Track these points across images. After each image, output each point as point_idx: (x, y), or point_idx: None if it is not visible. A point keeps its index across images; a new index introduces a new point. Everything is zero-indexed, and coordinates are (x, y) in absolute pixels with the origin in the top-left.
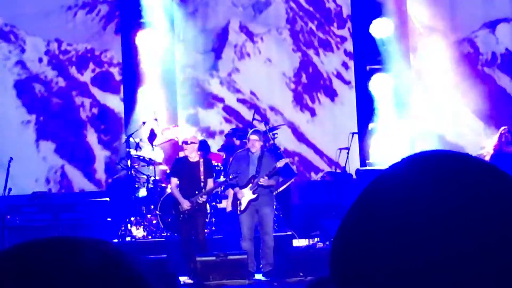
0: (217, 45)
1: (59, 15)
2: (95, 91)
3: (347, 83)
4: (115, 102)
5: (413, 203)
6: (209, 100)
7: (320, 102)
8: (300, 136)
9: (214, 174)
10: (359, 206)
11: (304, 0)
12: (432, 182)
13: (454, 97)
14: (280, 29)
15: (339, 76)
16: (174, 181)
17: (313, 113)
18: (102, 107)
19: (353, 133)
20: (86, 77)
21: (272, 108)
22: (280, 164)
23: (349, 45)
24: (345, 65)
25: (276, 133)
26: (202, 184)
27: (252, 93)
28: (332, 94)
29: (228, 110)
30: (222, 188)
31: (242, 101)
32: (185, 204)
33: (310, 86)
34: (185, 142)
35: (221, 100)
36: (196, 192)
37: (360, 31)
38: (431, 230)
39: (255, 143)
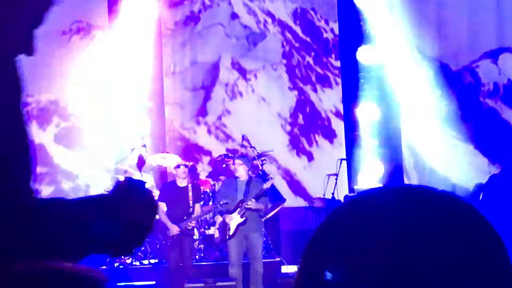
0: (207, 82)
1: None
2: None
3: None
4: None
5: (378, 226)
6: (194, 155)
7: (318, 144)
8: (296, 187)
9: (202, 199)
10: (330, 221)
11: (301, 30)
12: (401, 210)
13: (454, 129)
14: (276, 65)
15: (338, 114)
16: (162, 206)
17: (310, 157)
18: None
19: (342, 159)
20: None
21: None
22: (267, 185)
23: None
24: (344, 101)
25: (265, 159)
26: (190, 209)
27: (243, 138)
28: (330, 135)
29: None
30: (211, 215)
31: (232, 151)
32: (174, 229)
33: (307, 127)
34: (177, 166)
35: (208, 153)
36: (185, 217)
37: (348, 58)
38: (390, 252)
39: (239, 168)
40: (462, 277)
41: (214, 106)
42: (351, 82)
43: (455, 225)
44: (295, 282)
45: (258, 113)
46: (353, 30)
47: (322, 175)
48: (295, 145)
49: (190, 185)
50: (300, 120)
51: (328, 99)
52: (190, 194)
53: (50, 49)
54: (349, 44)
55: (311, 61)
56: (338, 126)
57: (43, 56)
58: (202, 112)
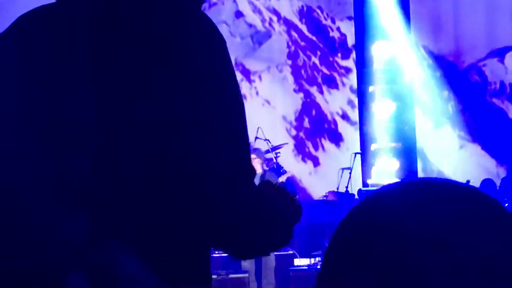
0: None
1: None
2: None
3: (354, 123)
4: None
5: (400, 224)
6: None
7: (324, 149)
8: (301, 194)
9: None
10: (350, 220)
11: (307, 29)
12: (421, 205)
13: (461, 130)
14: (281, 66)
15: (344, 116)
16: None
17: (316, 162)
18: None
19: (356, 153)
20: None
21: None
22: (282, 179)
23: (355, 81)
24: (351, 103)
25: (279, 152)
26: None
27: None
28: (337, 139)
29: None
30: None
31: None
32: None
33: (313, 131)
34: None
35: None
36: None
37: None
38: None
39: (252, 162)
40: (492, 272)
41: None
42: (366, 76)
43: (481, 220)
44: (317, 278)
45: (262, 116)
46: (368, 26)
47: (328, 181)
48: (301, 150)
49: None
50: (306, 123)
51: (335, 101)
52: None
53: None
54: (365, 39)
55: (317, 62)
56: (345, 129)
57: None
58: None
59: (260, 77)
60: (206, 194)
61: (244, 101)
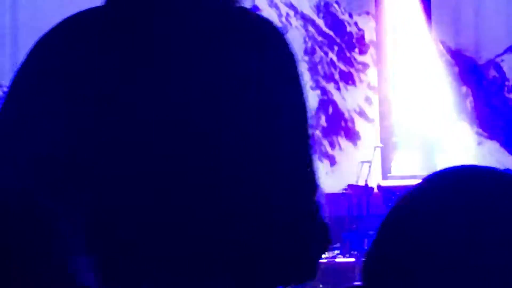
0: None
1: None
2: None
3: (371, 121)
4: None
5: (445, 218)
6: None
7: (341, 147)
8: None
9: None
10: (392, 219)
11: (324, 24)
12: (462, 196)
13: (478, 126)
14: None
15: (361, 113)
16: None
17: (333, 161)
18: None
19: (376, 147)
20: None
21: None
22: None
23: (372, 77)
24: (368, 100)
25: None
26: None
27: None
28: (354, 137)
29: None
30: None
31: None
32: None
33: (329, 129)
34: None
35: None
36: None
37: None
38: (462, 245)
39: None
40: None
41: None
42: (386, 71)
43: None
44: (363, 265)
45: None
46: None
47: (345, 181)
48: (317, 149)
49: None
50: (323, 121)
51: (352, 98)
52: None
53: None
54: (384, 33)
55: (334, 58)
56: (362, 126)
57: None
58: None
59: None
60: (285, 221)
61: None
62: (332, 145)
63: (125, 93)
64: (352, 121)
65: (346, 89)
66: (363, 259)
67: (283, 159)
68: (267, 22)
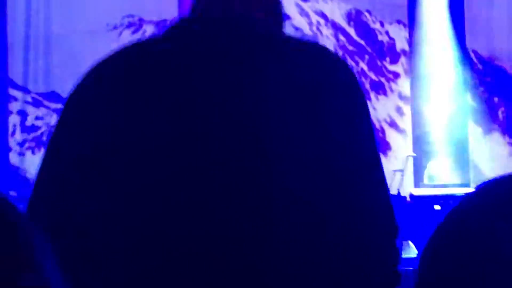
0: None
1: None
2: None
3: (402, 131)
4: None
5: (501, 229)
6: None
7: None
8: None
9: None
10: (444, 230)
11: (355, 33)
12: None
13: (510, 136)
14: None
15: (392, 124)
16: None
17: None
18: None
19: (409, 156)
20: None
21: None
22: None
23: (404, 87)
24: (399, 110)
25: None
26: None
27: None
28: (384, 148)
29: None
30: None
31: None
32: None
33: None
34: None
35: None
36: None
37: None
38: None
39: None
40: None
41: None
42: (419, 80)
43: None
44: (418, 277)
45: None
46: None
47: None
48: None
49: None
50: None
51: (383, 108)
52: None
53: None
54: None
55: (365, 67)
56: (393, 137)
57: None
58: None
59: None
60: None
61: None
62: None
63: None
64: (383, 132)
65: (377, 99)
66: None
67: (365, 201)
68: (339, 60)
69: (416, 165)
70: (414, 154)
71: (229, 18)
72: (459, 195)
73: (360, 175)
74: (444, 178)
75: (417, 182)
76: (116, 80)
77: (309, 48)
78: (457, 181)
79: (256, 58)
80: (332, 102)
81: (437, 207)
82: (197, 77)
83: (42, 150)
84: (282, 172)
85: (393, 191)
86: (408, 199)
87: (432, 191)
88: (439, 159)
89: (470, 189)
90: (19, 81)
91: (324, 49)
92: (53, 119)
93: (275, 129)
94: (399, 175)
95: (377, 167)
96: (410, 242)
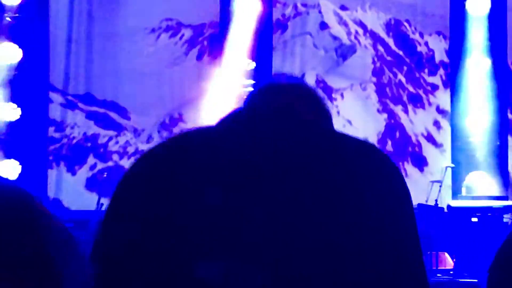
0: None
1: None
2: None
3: (439, 146)
4: None
5: None
6: None
7: (406, 173)
8: None
9: None
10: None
11: (394, 43)
12: None
13: None
14: (365, 83)
15: (429, 138)
16: None
17: None
18: None
19: (447, 167)
20: None
21: None
22: None
23: (441, 100)
24: (437, 124)
25: None
26: None
27: None
28: (421, 163)
29: None
30: None
31: None
32: None
33: (396, 154)
34: None
35: None
36: None
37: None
38: None
39: None
40: None
41: None
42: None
43: None
44: None
45: None
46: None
47: (415, 201)
48: None
49: None
50: (389, 146)
51: (420, 121)
52: None
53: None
54: (458, 54)
55: (403, 79)
56: (430, 152)
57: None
58: None
59: (342, 95)
60: None
61: None
62: None
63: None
64: (420, 146)
65: (414, 112)
66: None
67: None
68: (384, 157)
69: (454, 177)
70: (453, 165)
71: (277, 109)
72: (497, 207)
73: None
74: (482, 190)
75: (455, 194)
76: (168, 168)
77: (359, 145)
78: (495, 193)
79: (305, 148)
80: (378, 204)
81: (474, 219)
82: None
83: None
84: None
85: (431, 202)
86: (445, 210)
87: (470, 203)
88: (478, 171)
89: (509, 202)
90: (59, 82)
91: (373, 147)
92: (84, 121)
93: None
94: (437, 186)
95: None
96: (446, 254)
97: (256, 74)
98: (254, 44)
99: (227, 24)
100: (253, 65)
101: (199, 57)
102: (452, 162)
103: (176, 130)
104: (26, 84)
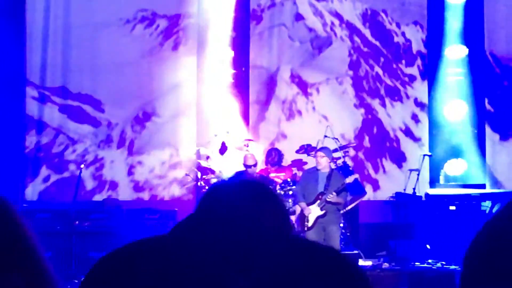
0: (261, 97)
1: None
2: None
3: (417, 140)
4: None
5: None
6: None
7: (385, 170)
8: None
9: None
10: (488, 230)
11: (370, 34)
12: None
13: None
14: (341, 77)
15: (407, 132)
16: None
17: (376, 186)
18: None
19: (425, 155)
20: None
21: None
22: (349, 180)
23: (419, 92)
24: (415, 117)
25: (347, 151)
26: None
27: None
28: (399, 159)
29: None
30: (291, 203)
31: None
32: None
33: (373, 150)
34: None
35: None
36: None
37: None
38: None
39: (320, 160)
40: None
41: (267, 129)
42: (437, 80)
43: None
44: (460, 279)
45: (319, 135)
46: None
47: (393, 189)
48: (360, 172)
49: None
50: (366, 143)
51: (398, 115)
52: None
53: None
54: (436, 43)
55: (380, 72)
56: (408, 147)
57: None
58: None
59: (318, 90)
60: None
61: (299, 117)
62: (375, 168)
63: None
64: (398, 141)
65: (392, 106)
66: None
67: None
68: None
69: (432, 165)
70: (430, 154)
71: (229, 215)
72: (474, 195)
73: None
74: (460, 179)
75: (433, 182)
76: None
77: (320, 255)
78: (473, 181)
79: (256, 259)
80: None
81: (452, 207)
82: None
83: None
84: None
85: (409, 190)
86: (423, 198)
87: (447, 191)
88: (455, 159)
89: (486, 190)
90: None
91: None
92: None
93: None
94: (415, 174)
95: None
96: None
97: (235, 64)
98: (232, 34)
99: (203, 14)
100: (231, 54)
101: (175, 47)
102: (430, 151)
103: (149, 124)
104: (2, 79)
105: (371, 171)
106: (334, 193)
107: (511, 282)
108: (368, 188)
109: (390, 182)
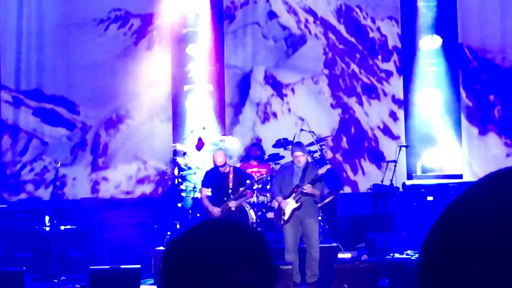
0: (235, 100)
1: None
2: None
3: (396, 138)
4: None
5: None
6: None
7: (364, 171)
8: None
9: (247, 183)
10: (446, 219)
11: (345, 30)
12: None
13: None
14: (316, 76)
15: (386, 131)
16: (205, 191)
17: (355, 188)
18: None
19: (401, 146)
20: None
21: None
22: (321, 170)
23: (396, 88)
24: (393, 115)
25: (324, 144)
26: (230, 192)
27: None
28: (378, 159)
29: None
30: (269, 198)
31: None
32: (216, 211)
33: (351, 151)
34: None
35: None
36: (225, 199)
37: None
38: None
39: (300, 159)
40: None
41: (242, 130)
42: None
43: None
44: (418, 267)
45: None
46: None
47: (370, 181)
48: (339, 175)
49: (231, 169)
50: (344, 144)
51: (375, 113)
52: (231, 176)
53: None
54: (411, 36)
55: (356, 69)
56: (387, 146)
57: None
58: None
59: (293, 91)
60: None
61: (274, 119)
62: (354, 170)
63: None
64: (376, 141)
65: (369, 103)
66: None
67: None
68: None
69: (409, 156)
70: (406, 144)
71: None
72: (452, 185)
73: None
74: (437, 169)
75: (410, 173)
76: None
77: None
78: (451, 172)
79: None
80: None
81: (429, 198)
82: None
83: None
84: None
85: (386, 181)
86: (401, 189)
87: (425, 182)
88: (432, 150)
89: (464, 180)
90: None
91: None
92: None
93: None
94: (392, 166)
95: None
96: (402, 232)
97: (210, 62)
98: (207, 33)
99: (177, 12)
100: (206, 52)
101: (149, 47)
102: (406, 142)
103: (122, 127)
104: None
105: (350, 173)
106: (309, 184)
107: (472, 270)
108: (347, 191)
109: (369, 183)
